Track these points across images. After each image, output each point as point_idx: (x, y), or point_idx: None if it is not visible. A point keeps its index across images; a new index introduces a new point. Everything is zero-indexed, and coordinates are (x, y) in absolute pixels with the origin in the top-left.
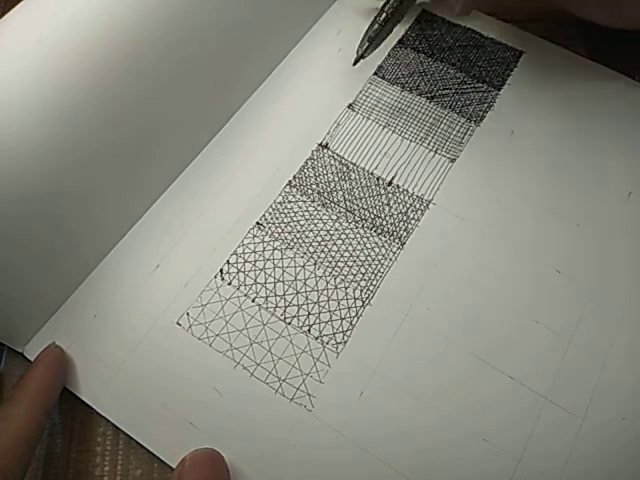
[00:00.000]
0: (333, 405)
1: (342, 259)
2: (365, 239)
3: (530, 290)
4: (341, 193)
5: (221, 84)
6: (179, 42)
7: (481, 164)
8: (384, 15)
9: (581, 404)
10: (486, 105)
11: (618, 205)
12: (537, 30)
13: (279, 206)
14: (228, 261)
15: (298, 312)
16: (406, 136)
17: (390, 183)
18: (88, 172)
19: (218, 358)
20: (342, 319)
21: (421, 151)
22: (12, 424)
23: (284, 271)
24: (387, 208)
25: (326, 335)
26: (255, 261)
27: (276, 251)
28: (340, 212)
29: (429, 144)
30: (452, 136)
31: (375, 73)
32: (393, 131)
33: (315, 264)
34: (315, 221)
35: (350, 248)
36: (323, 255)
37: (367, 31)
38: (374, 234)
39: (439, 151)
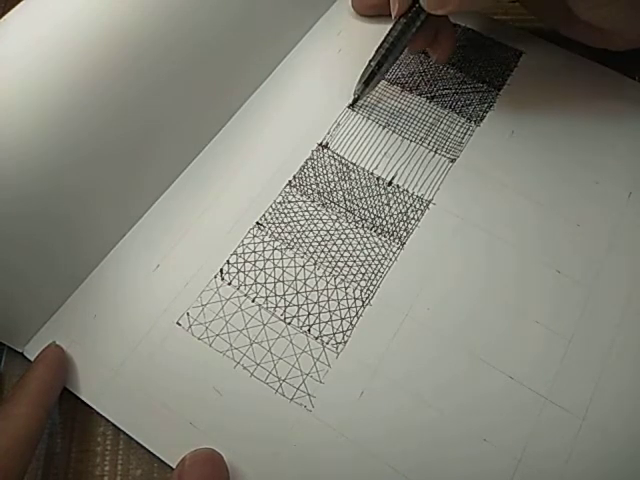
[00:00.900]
0: (333, 405)
1: (342, 259)
2: (365, 239)
3: (530, 290)
4: (341, 193)
5: (221, 84)
6: (179, 42)
7: (481, 164)
8: (378, 58)
9: (581, 404)
10: (486, 105)
11: (618, 205)
12: (537, 30)
13: (279, 206)
14: (228, 261)
15: (298, 312)
16: (406, 136)
17: (390, 183)
18: (88, 172)
19: (218, 358)
20: (342, 319)
21: (421, 151)
22: (12, 424)
23: (284, 271)
24: (387, 208)
25: (326, 335)
26: (255, 261)
27: (276, 251)
28: (340, 212)
29: (429, 144)
30: (452, 136)
31: None
32: (393, 131)
33: (315, 264)
34: (315, 221)
35: (350, 248)
36: (323, 255)
37: (362, 74)
38: (374, 234)
39: (439, 151)
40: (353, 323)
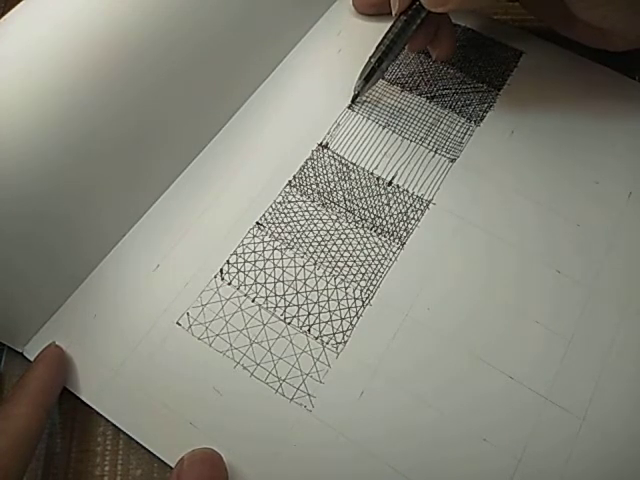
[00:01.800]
0: (333, 405)
1: (342, 259)
2: (365, 239)
3: (530, 290)
4: (341, 193)
5: (221, 84)
6: (179, 42)
7: (481, 164)
8: (379, 55)
9: (581, 404)
10: (486, 105)
11: (618, 205)
12: (537, 30)
13: (279, 206)
14: (228, 261)
15: (298, 312)
16: (406, 136)
17: (390, 183)
18: (88, 172)
19: (218, 358)
20: (342, 319)
21: (421, 151)
22: (12, 424)
23: (284, 271)
24: (387, 208)
25: (326, 335)
26: (255, 261)
27: (276, 251)
28: (340, 212)
29: (429, 144)
30: (452, 136)
31: None
32: (393, 131)
33: (315, 264)
34: (315, 221)
35: (350, 248)
36: (323, 255)
37: (362, 71)
38: (374, 234)
39: (439, 151)
40: (353, 323)
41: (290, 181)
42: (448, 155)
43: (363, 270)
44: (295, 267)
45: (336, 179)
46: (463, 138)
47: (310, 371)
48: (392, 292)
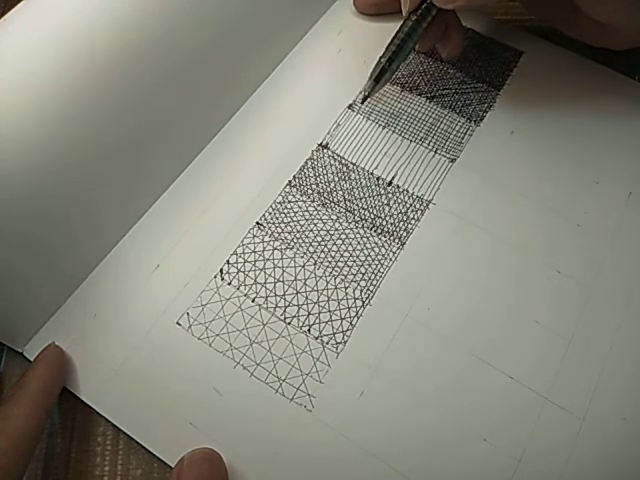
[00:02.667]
0: (333, 405)
1: (342, 259)
2: (365, 239)
3: (530, 290)
4: (341, 193)
5: (221, 84)
6: (179, 42)
7: (481, 164)
8: (389, 55)
9: (581, 404)
10: (486, 105)
11: (618, 205)
12: (537, 30)
13: (279, 206)
14: (228, 261)
15: (298, 312)
16: (406, 136)
17: (390, 183)
18: (88, 172)
19: (218, 358)
20: (342, 319)
21: (421, 151)
22: (12, 424)
23: (284, 271)
24: (387, 208)
25: (326, 335)
26: (255, 261)
27: (276, 251)
28: (340, 212)
29: (429, 144)
30: (452, 136)
31: None
32: (393, 131)
33: (315, 264)
34: (315, 221)
35: (350, 248)
36: (323, 255)
37: (372, 71)
38: (374, 234)
39: (439, 151)
40: (353, 323)
41: (290, 181)
42: (448, 155)
43: (363, 270)
44: (295, 267)
45: (336, 179)
46: (463, 138)
47: (310, 371)
48: (392, 292)
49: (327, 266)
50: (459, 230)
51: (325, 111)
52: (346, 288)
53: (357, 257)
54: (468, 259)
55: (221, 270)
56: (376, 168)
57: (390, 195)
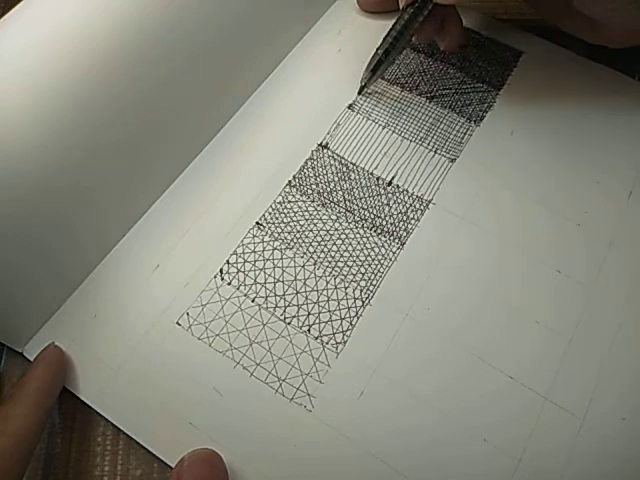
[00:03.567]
0: (333, 405)
1: (342, 259)
2: (365, 239)
3: (530, 290)
4: (341, 193)
5: (221, 84)
6: (179, 42)
7: (481, 164)
8: (385, 46)
9: (581, 404)
10: (486, 105)
11: (618, 205)
12: (537, 30)
13: (279, 206)
14: (228, 261)
15: (298, 312)
16: (406, 136)
17: (390, 183)
18: (88, 172)
19: (218, 358)
20: (342, 319)
21: (421, 151)
22: (12, 424)
23: (284, 271)
24: (387, 208)
25: (326, 335)
26: (255, 261)
27: (276, 251)
28: (340, 212)
29: (429, 144)
30: (452, 136)
31: None
32: (393, 131)
33: (315, 264)
34: (315, 221)
35: (350, 248)
36: (323, 255)
37: (369, 62)
38: (374, 234)
39: (439, 151)
40: (353, 323)
41: (290, 181)
42: (448, 155)
43: (363, 270)
44: (295, 267)
45: (336, 179)
46: (463, 138)
47: (310, 371)
48: (392, 292)
49: (327, 266)
50: (459, 230)
51: (325, 111)
52: (346, 288)
53: (357, 257)
54: (468, 259)
55: (221, 270)
56: (376, 168)
57: (390, 195)
